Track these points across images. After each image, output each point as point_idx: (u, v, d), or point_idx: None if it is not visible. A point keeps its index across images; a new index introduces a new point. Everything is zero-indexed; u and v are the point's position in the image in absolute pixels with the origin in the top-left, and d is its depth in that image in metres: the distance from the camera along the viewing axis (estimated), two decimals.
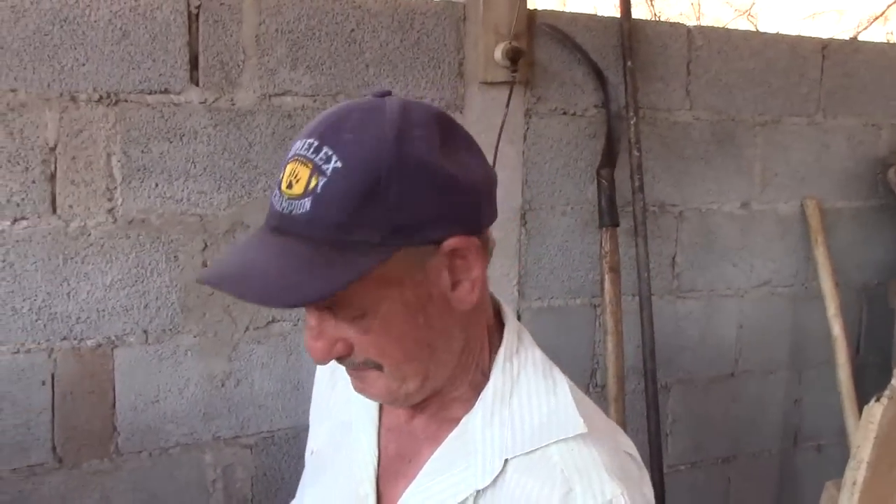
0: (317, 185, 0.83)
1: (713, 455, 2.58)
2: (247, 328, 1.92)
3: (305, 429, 1.99)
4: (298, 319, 1.96)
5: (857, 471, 1.81)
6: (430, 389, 0.96)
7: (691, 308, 2.47)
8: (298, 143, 0.86)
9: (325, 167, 0.83)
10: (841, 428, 2.52)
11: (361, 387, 0.96)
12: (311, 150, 0.84)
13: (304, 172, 0.84)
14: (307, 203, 0.83)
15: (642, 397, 2.31)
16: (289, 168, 0.85)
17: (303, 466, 2.00)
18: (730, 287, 2.52)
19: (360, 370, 0.93)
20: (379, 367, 0.92)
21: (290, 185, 0.84)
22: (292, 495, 2.04)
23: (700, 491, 2.57)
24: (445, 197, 0.88)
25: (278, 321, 1.95)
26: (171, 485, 1.89)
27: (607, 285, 2.21)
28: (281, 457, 1.99)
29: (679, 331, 2.46)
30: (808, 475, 2.68)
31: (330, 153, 0.84)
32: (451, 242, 0.90)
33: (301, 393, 1.98)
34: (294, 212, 0.83)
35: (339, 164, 0.83)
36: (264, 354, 1.94)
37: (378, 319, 0.89)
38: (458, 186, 0.88)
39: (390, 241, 0.86)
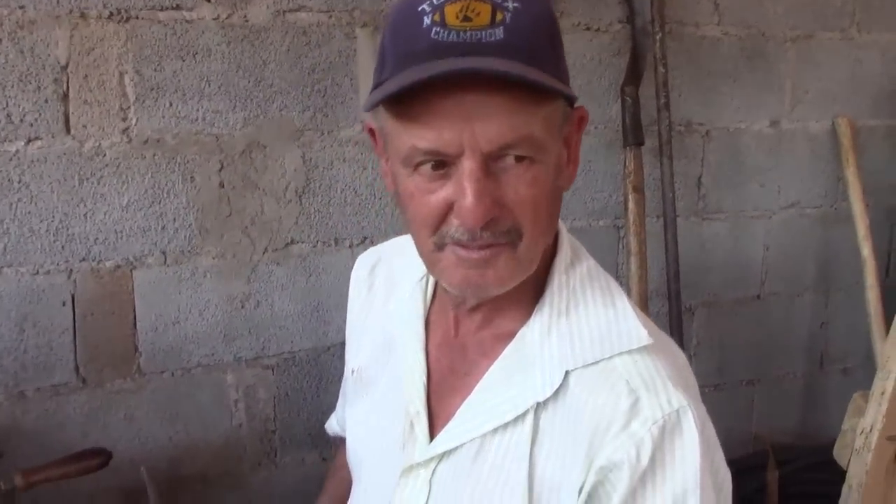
0: (504, 17, 0.82)
1: (737, 377, 2.57)
2: (265, 250, 1.91)
3: (326, 349, 2.00)
4: (317, 241, 1.95)
5: (886, 381, 1.81)
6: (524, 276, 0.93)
7: (717, 229, 2.43)
8: None
9: (505, 4, 0.83)
10: (868, 351, 2.49)
11: (481, 273, 0.89)
12: None
13: (483, 8, 0.82)
14: (499, 31, 0.82)
15: (666, 319, 2.29)
16: (456, 6, 0.82)
17: (324, 387, 2.02)
18: (757, 208, 2.47)
19: (496, 248, 0.88)
20: (517, 238, 0.88)
21: (467, 19, 0.82)
22: (314, 415, 2.07)
23: (723, 413, 2.55)
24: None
25: (297, 243, 1.93)
26: (193, 404, 1.91)
27: (631, 206, 2.17)
28: (302, 377, 2.00)
29: (704, 252, 2.42)
30: (834, 398, 2.66)
31: None
32: (581, 110, 0.90)
33: (321, 314, 1.98)
34: (483, 40, 0.82)
35: (517, 5, 0.83)
36: (283, 276, 1.94)
37: (542, 167, 0.87)
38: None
39: (567, 82, 0.88)
